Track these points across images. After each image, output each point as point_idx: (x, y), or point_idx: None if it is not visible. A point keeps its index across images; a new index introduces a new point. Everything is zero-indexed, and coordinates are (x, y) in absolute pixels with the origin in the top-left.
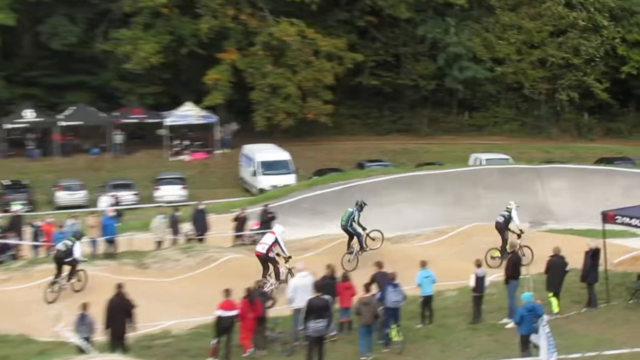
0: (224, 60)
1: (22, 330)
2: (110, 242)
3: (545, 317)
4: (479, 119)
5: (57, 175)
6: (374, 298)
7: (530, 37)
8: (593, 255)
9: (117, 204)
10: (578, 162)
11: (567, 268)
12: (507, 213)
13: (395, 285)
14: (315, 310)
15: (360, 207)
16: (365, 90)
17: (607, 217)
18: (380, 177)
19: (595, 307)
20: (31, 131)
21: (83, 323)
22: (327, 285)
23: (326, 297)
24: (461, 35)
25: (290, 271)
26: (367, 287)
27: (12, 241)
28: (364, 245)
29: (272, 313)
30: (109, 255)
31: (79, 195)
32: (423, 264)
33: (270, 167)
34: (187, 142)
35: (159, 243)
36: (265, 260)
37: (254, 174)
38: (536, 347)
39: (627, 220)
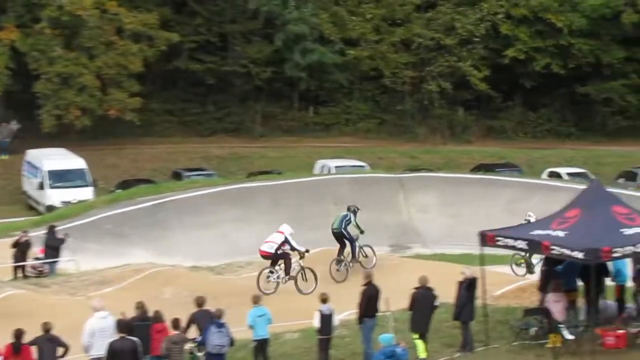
0: None
1: None
2: None
3: None
4: (327, 116)
5: None
6: (185, 336)
7: (391, 12)
8: (468, 287)
9: None
10: (451, 170)
11: (437, 303)
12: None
13: (220, 326)
14: (118, 355)
15: (354, 212)
16: (184, 79)
17: (486, 238)
18: (202, 190)
19: (471, 351)
20: None
21: None
22: (138, 327)
23: (133, 338)
24: (304, 9)
25: (303, 270)
26: (175, 324)
27: None
28: (357, 255)
29: None
30: None
31: None
32: (256, 300)
33: (61, 178)
34: None
35: None
36: (275, 258)
37: (41, 186)
38: None
39: (510, 242)
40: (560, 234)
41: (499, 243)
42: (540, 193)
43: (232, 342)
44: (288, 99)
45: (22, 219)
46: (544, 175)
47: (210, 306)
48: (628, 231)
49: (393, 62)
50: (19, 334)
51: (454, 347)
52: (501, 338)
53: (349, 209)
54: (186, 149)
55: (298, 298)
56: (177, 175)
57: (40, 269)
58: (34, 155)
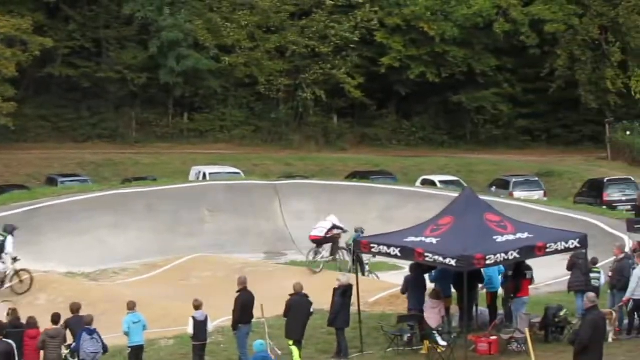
0: None
1: None
2: None
3: None
4: (202, 123)
5: None
6: (63, 331)
7: (266, 19)
8: (343, 293)
9: None
10: (326, 177)
11: (312, 309)
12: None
13: (92, 333)
14: None
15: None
16: (58, 84)
17: (360, 245)
18: (76, 196)
19: (346, 357)
20: None
21: None
22: (10, 334)
23: (9, 341)
24: (178, 16)
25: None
26: (54, 319)
27: None
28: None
29: None
30: None
31: None
32: (131, 306)
33: None
34: None
35: None
36: (322, 242)
37: None
38: None
39: (384, 249)
40: (434, 241)
41: (373, 250)
42: (414, 200)
43: (105, 349)
44: (163, 106)
45: None
46: (418, 182)
47: (85, 312)
48: (500, 239)
49: (268, 70)
50: None
51: (329, 354)
52: (376, 344)
53: None
54: (61, 155)
55: (173, 304)
56: (51, 181)
57: None
58: None
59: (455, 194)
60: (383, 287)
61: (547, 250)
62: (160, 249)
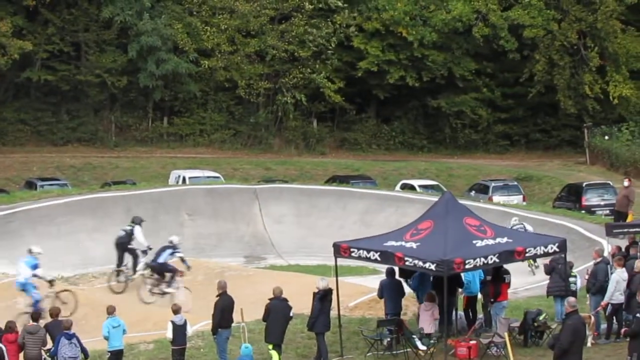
0: None
1: None
2: None
3: None
4: (182, 127)
5: None
6: (42, 328)
7: (245, 23)
8: (322, 298)
9: None
10: (305, 182)
11: (291, 313)
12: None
13: (71, 337)
14: None
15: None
16: (37, 88)
17: (339, 249)
18: (56, 199)
19: None
20: None
21: None
22: None
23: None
24: (158, 20)
25: None
26: (35, 317)
27: None
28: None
29: None
30: None
31: None
32: (110, 311)
33: None
34: None
35: None
36: None
37: None
38: None
39: (364, 253)
40: (413, 245)
41: (353, 254)
42: (394, 205)
43: (86, 353)
44: (142, 109)
45: None
46: (398, 187)
47: (64, 317)
48: (480, 243)
49: (247, 73)
50: None
51: (309, 358)
52: (355, 349)
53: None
54: (40, 159)
55: (152, 308)
56: (30, 185)
57: None
58: None
59: (435, 199)
60: (363, 291)
61: (527, 254)
62: None
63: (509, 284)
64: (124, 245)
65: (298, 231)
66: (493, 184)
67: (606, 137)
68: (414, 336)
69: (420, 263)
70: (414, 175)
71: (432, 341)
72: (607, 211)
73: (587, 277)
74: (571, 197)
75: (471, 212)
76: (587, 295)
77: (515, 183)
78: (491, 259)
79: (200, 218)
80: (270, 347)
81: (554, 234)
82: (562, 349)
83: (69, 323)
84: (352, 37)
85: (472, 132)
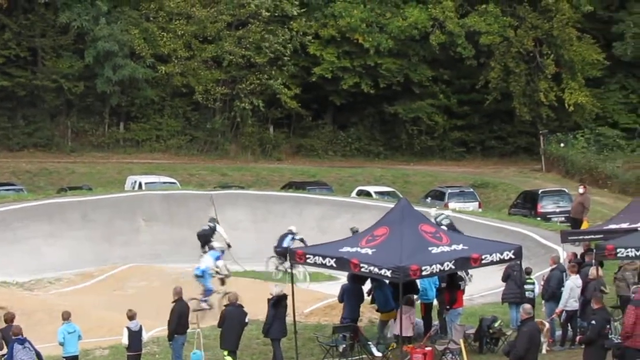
0: None
1: None
2: None
3: None
4: (138, 132)
5: None
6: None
7: (202, 29)
8: (276, 303)
9: None
10: (261, 188)
11: (247, 319)
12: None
13: (23, 342)
14: None
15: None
16: None
17: (295, 255)
18: (11, 205)
19: None
20: None
21: None
22: None
23: None
24: (114, 25)
25: None
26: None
27: None
28: None
29: None
30: None
31: None
32: (66, 316)
33: None
34: None
35: None
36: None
37: None
38: None
39: (319, 259)
40: (369, 251)
41: (308, 260)
42: (350, 211)
43: (40, 356)
44: (99, 115)
45: None
46: (354, 193)
47: (19, 322)
48: (435, 250)
49: (204, 79)
50: None
51: None
52: (311, 355)
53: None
54: None
55: (108, 316)
56: None
57: None
58: None
59: (391, 205)
60: (319, 297)
61: (483, 261)
62: (96, 258)
63: (463, 291)
64: (206, 237)
65: (254, 237)
66: (449, 191)
67: (562, 145)
68: (370, 343)
69: (376, 269)
70: (370, 181)
71: (387, 347)
72: (563, 218)
73: (542, 283)
74: (527, 204)
75: (427, 219)
76: (542, 302)
77: (471, 190)
78: (447, 265)
79: (156, 224)
80: (226, 353)
81: (509, 240)
82: (518, 356)
83: (18, 329)
84: (308, 44)
85: (429, 138)
